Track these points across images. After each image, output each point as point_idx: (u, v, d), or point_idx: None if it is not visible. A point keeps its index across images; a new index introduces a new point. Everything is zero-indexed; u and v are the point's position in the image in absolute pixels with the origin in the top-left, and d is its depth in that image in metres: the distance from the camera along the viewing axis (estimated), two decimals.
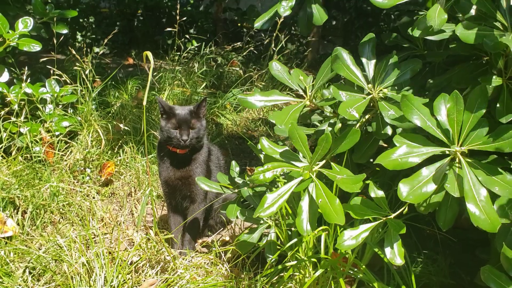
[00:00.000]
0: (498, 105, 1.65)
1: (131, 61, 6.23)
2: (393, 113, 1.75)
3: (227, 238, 2.52)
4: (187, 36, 4.94)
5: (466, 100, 1.55)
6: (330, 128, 1.91)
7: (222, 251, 2.18)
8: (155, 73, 4.61)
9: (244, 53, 5.18)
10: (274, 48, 4.71)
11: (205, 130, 2.38)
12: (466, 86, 1.77)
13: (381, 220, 1.70)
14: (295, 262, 1.91)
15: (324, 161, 1.75)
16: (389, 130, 1.86)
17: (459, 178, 1.51)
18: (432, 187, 1.51)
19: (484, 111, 1.53)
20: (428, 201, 1.66)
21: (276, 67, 2.06)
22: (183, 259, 2.17)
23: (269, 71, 4.58)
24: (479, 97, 1.54)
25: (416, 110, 1.60)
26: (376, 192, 1.76)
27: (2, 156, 2.78)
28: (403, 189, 1.51)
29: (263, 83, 4.75)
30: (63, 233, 2.32)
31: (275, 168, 1.69)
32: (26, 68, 3.12)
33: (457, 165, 1.54)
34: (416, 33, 1.74)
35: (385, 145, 2.07)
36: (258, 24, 2.16)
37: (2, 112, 2.88)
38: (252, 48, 5.05)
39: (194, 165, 2.38)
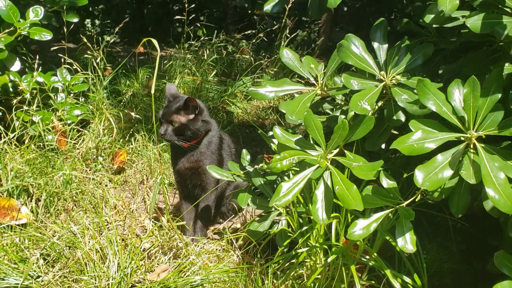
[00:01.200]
0: (511, 92, 1.63)
1: (141, 49, 6.22)
2: (406, 97, 1.73)
3: (239, 226, 2.54)
4: (198, 24, 4.92)
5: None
6: (343, 116, 1.90)
7: (233, 238, 2.19)
8: (165, 61, 4.61)
9: (255, 41, 5.16)
10: (288, 35, 4.68)
11: (196, 127, 2.34)
12: (478, 73, 1.75)
13: (392, 209, 1.70)
14: (307, 248, 1.92)
15: (337, 149, 1.75)
16: (402, 117, 1.85)
17: (474, 164, 1.50)
18: (448, 173, 1.49)
19: (499, 96, 1.52)
20: (442, 187, 1.65)
21: (287, 55, 2.04)
22: (195, 246, 2.19)
23: (280, 59, 4.59)
24: (495, 82, 1.52)
25: (432, 95, 1.58)
26: (388, 181, 1.76)
27: (15, 144, 2.80)
28: (419, 175, 1.50)
29: (275, 69, 4.73)
30: (77, 220, 2.35)
31: (291, 156, 1.69)
32: (38, 57, 3.13)
33: (471, 151, 1.53)
34: (428, 18, 1.72)
35: (397, 132, 2.06)
36: (267, 7, 2.13)
37: (15, 101, 2.90)
38: (262, 35, 5.02)
39: (202, 156, 2.39)
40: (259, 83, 1.97)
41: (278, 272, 2.00)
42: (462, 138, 1.56)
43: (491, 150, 1.51)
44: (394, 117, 1.85)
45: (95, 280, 1.83)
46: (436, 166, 1.51)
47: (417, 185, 1.50)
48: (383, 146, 1.95)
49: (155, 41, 1.98)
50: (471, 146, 1.54)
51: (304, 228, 1.97)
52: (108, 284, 1.82)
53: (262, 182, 2.14)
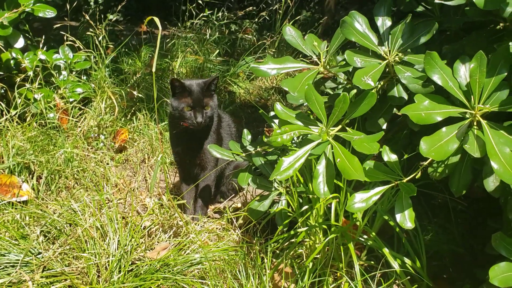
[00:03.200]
0: None
1: (144, 28, 6.18)
2: (409, 74, 1.71)
3: (239, 205, 2.54)
4: (200, 2, 4.87)
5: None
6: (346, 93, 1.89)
7: (233, 217, 2.20)
8: (168, 40, 4.58)
9: (258, 20, 5.11)
10: (279, 11, 4.62)
11: (217, 105, 2.37)
12: None
13: (393, 184, 1.69)
14: (306, 228, 1.92)
15: (339, 127, 1.73)
16: (404, 95, 1.83)
17: (478, 139, 1.48)
18: (453, 146, 1.47)
19: (505, 74, 1.50)
20: (446, 163, 1.64)
21: (290, 32, 2.01)
22: (195, 224, 2.20)
23: (282, 37, 4.55)
24: (502, 59, 1.50)
25: (439, 69, 1.56)
26: (389, 156, 1.74)
27: (17, 122, 2.80)
28: (424, 145, 1.48)
29: (273, 50, 4.70)
30: (77, 198, 2.36)
31: (292, 131, 1.67)
32: (41, 35, 3.12)
33: (475, 127, 1.52)
34: None
35: (399, 113, 2.05)
36: None
37: (17, 79, 2.90)
38: (264, 14, 4.97)
39: (204, 136, 2.38)
40: (261, 61, 1.95)
41: (278, 251, 2.01)
42: (467, 115, 1.54)
43: (496, 127, 1.49)
44: (396, 95, 1.84)
45: (95, 257, 1.84)
46: (442, 137, 1.49)
47: (423, 154, 1.47)
48: (384, 126, 1.93)
49: (157, 19, 1.96)
50: (475, 122, 1.53)
51: (304, 208, 1.97)
52: (108, 261, 1.83)
53: (263, 162, 2.13)
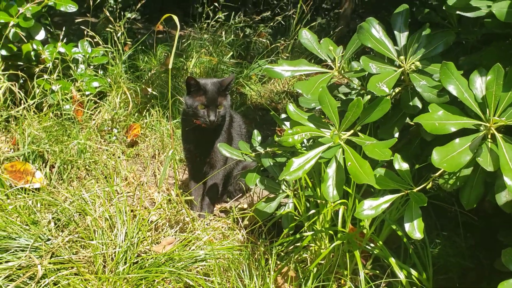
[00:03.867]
0: None
1: (161, 27, 6.23)
2: (425, 83, 1.71)
3: (245, 206, 2.56)
4: (216, 4, 4.92)
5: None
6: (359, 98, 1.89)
7: (239, 217, 2.21)
8: (184, 40, 4.62)
9: (272, 24, 5.14)
10: (293, 16, 4.63)
11: (230, 105, 2.40)
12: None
13: (403, 193, 1.68)
14: (312, 233, 1.92)
15: (351, 131, 1.73)
16: (418, 103, 1.82)
17: (492, 153, 1.47)
18: (466, 157, 1.47)
19: None
20: (458, 175, 1.64)
21: (306, 35, 2.03)
22: (201, 221, 2.22)
23: (296, 43, 4.55)
24: None
25: (455, 79, 1.56)
26: (401, 165, 1.72)
27: (34, 111, 2.85)
28: (436, 156, 1.47)
29: (287, 54, 4.72)
30: (88, 189, 2.39)
31: (304, 132, 1.68)
32: (62, 29, 3.17)
33: (489, 140, 1.51)
34: (451, 1, 1.68)
35: (412, 123, 2.06)
36: None
37: (37, 70, 2.95)
38: (280, 19, 5.00)
39: (215, 135, 2.41)
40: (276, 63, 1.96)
41: (282, 254, 2.02)
42: (482, 128, 1.53)
43: (510, 141, 1.48)
44: (410, 103, 1.83)
45: (103, 247, 1.86)
46: (455, 149, 1.48)
47: (435, 165, 1.47)
48: (396, 135, 1.93)
49: (175, 17, 1.99)
50: (489, 135, 1.52)
51: (311, 212, 1.98)
52: (115, 252, 1.85)
53: (272, 163, 2.15)
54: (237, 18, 5.01)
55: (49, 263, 1.77)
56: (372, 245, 1.93)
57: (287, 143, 1.66)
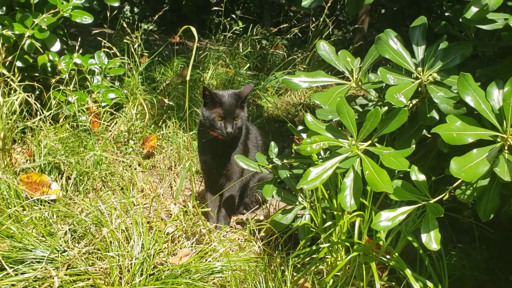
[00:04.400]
0: None
1: (177, 39, 6.29)
2: (442, 94, 1.70)
3: (262, 218, 2.55)
4: (233, 16, 4.95)
5: None
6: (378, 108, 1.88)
7: (256, 229, 2.20)
8: (200, 52, 4.66)
9: (289, 36, 5.15)
10: (312, 29, 4.65)
11: (247, 117, 2.40)
12: None
13: (420, 204, 1.67)
14: (328, 244, 1.91)
15: (369, 142, 1.73)
16: (435, 115, 1.81)
17: (509, 164, 1.46)
18: (484, 168, 1.46)
19: None
20: (474, 186, 1.62)
21: (324, 47, 2.03)
22: (218, 233, 2.21)
23: (313, 55, 4.55)
24: None
25: (472, 91, 1.55)
26: (418, 176, 1.72)
27: (50, 122, 2.88)
28: (454, 166, 1.46)
29: (304, 66, 4.73)
30: (104, 200, 2.40)
31: (322, 141, 1.67)
32: (78, 40, 3.21)
33: (506, 151, 1.50)
34: (469, 14, 1.68)
35: (429, 135, 2.04)
36: (305, 2, 2.14)
37: (53, 81, 2.98)
38: (297, 31, 5.01)
39: (232, 146, 2.41)
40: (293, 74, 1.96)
41: (298, 266, 2.00)
42: (499, 139, 1.52)
43: None
44: (428, 115, 1.82)
45: (119, 259, 1.86)
46: (473, 159, 1.48)
47: (453, 174, 1.46)
48: (413, 146, 1.91)
49: (193, 29, 2.01)
50: (506, 146, 1.51)
51: (327, 224, 1.97)
52: (131, 263, 1.86)
53: (288, 175, 2.14)
54: (254, 30, 5.03)
55: (65, 274, 1.78)
56: (388, 256, 1.92)
57: (305, 152, 1.66)
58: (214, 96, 2.28)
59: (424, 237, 1.60)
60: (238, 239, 2.21)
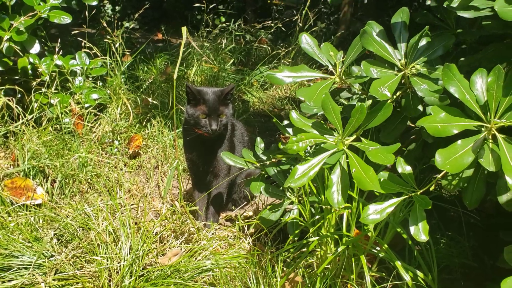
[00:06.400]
0: None
1: (160, 36, 6.25)
2: (426, 87, 1.70)
3: (250, 213, 2.54)
4: (217, 12, 4.92)
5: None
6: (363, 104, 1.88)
7: (245, 225, 2.20)
8: (184, 49, 4.62)
9: (272, 30, 5.14)
10: (299, 24, 4.65)
11: (231, 114, 2.38)
12: None
13: (407, 196, 1.68)
14: (317, 238, 1.92)
15: (354, 136, 1.72)
16: (419, 106, 1.82)
17: (493, 153, 1.47)
18: (468, 159, 1.47)
19: None
20: (460, 176, 1.64)
21: (306, 40, 2.01)
22: (207, 231, 2.20)
23: (297, 48, 4.54)
24: None
25: (457, 81, 1.55)
26: (404, 168, 1.73)
27: (32, 126, 2.84)
28: (439, 158, 1.47)
29: (289, 60, 4.71)
30: (91, 203, 2.38)
31: (308, 139, 1.67)
32: (59, 40, 3.16)
33: (490, 141, 1.51)
34: (454, 3, 1.68)
35: (413, 125, 2.05)
36: None
37: (34, 83, 2.94)
38: (280, 25, 4.99)
39: (217, 144, 2.40)
40: (277, 69, 1.95)
41: (288, 260, 2.00)
42: (483, 129, 1.52)
43: (511, 141, 1.48)
44: (412, 106, 1.82)
45: (107, 261, 1.85)
46: (457, 150, 1.48)
47: (438, 167, 1.46)
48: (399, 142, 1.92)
49: (185, 29, 1.99)
50: (490, 136, 1.52)
51: (316, 217, 1.97)
52: (120, 265, 1.84)
53: (276, 171, 2.13)
54: (236, 24, 5.01)
55: (54, 279, 1.76)
56: (377, 248, 1.93)
57: (292, 151, 1.65)
58: (197, 93, 2.27)
59: (412, 229, 1.61)
60: (228, 236, 2.21)
